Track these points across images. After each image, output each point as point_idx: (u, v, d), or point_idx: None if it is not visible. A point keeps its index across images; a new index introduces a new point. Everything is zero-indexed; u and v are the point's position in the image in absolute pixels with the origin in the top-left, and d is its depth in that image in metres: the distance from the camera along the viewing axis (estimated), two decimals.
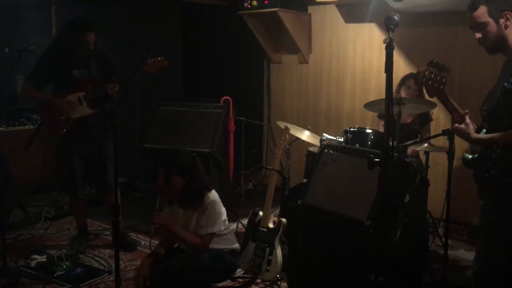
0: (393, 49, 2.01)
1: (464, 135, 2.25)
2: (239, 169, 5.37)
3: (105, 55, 3.95)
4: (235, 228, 4.30)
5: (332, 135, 3.75)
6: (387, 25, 2.07)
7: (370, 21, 4.98)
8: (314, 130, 4.25)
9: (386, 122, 2.18)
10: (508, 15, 2.22)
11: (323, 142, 3.46)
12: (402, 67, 4.73)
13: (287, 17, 5.22)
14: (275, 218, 3.47)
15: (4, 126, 5.23)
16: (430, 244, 3.72)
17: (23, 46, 3.55)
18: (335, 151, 3.23)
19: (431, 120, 4.17)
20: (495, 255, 2.33)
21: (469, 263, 3.54)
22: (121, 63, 4.05)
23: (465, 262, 3.75)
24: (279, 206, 4.27)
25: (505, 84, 2.21)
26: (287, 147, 4.15)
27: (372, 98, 4.54)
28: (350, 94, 5.29)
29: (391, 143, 2.10)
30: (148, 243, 3.29)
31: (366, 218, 2.77)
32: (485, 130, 2.31)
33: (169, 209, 3.12)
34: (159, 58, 3.67)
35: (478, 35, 2.28)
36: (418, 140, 4.00)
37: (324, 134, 3.70)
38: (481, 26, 2.25)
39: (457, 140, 2.63)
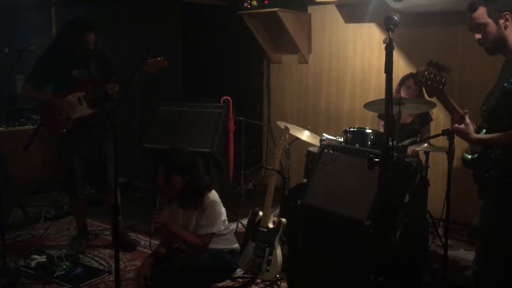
0: (393, 49, 2.01)
1: (464, 135, 2.26)
2: (239, 169, 5.37)
3: (105, 55, 3.95)
4: (235, 228, 4.30)
5: (332, 135, 3.75)
6: (387, 25, 2.07)
7: (370, 21, 4.98)
8: (314, 130, 4.25)
9: (386, 122, 2.18)
10: (507, 16, 2.22)
11: (323, 142, 3.46)
12: (402, 67, 4.74)
13: (287, 17, 5.22)
14: (275, 218, 3.47)
15: (4, 126, 5.23)
16: (430, 244, 3.72)
17: (23, 46, 3.55)
18: (335, 151, 3.23)
19: (431, 120, 4.17)
20: (494, 255, 2.33)
21: (469, 263, 3.55)
22: (121, 63, 4.05)
23: (465, 262, 3.75)
24: (279, 206, 4.27)
25: (505, 84, 2.22)
26: (287, 147, 4.15)
27: (372, 98, 4.55)
28: (350, 94, 5.29)
29: (391, 143, 2.10)
30: (148, 243, 3.30)
31: (366, 218, 2.77)
32: (484, 130, 2.31)
33: (169, 209, 3.12)
34: (159, 58, 3.67)
35: (478, 36, 2.28)
36: (416, 138, 4.00)
37: (324, 134, 3.70)
38: (481, 27, 2.25)
39: (457, 140, 2.63)
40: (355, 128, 3.60)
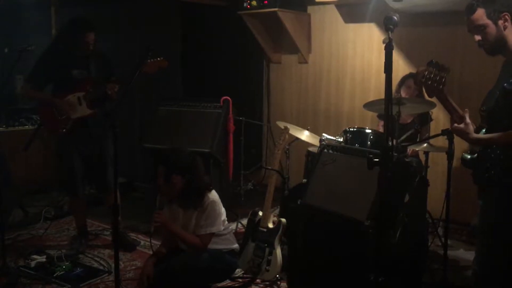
0: (393, 49, 2.01)
1: (464, 135, 2.25)
2: (238, 169, 5.37)
3: (105, 55, 3.95)
4: (234, 228, 4.30)
5: (331, 135, 3.75)
6: (386, 25, 2.07)
7: (370, 21, 4.98)
8: (314, 130, 4.25)
9: (386, 122, 2.18)
10: (506, 16, 2.22)
11: (323, 142, 3.46)
12: (401, 67, 4.74)
13: (287, 17, 5.22)
14: (275, 218, 3.47)
15: (4, 126, 5.23)
16: (429, 244, 3.72)
17: (23, 46, 3.55)
18: (335, 151, 3.23)
19: (431, 120, 4.17)
20: (494, 255, 2.33)
21: (469, 263, 3.55)
22: (121, 63, 4.06)
23: (465, 262, 3.75)
24: (278, 206, 4.27)
25: (505, 84, 2.22)
26: (287, 147, 4.15)
27: (371, 98, 4.55)
28: (349, 94, 5.30)
29: (390, 143, 2.11)
30: (148, 243, 3.30)
31: (366, 218, 2.78)
32: (484, 130, 2.31)
33: (169, 209, 3.12)
34: (159, 59, 3.67)
35: (478, 37, 2.28)
36: (412, 131, 4.00)
37: (323, 134, 3.70)
38: (480, 29, 2.25)
39: (457, 140, 2.63)
40: (355, 128, 3.60)
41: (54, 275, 3.42)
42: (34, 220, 4.56)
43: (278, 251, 3.34)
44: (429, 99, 2.63)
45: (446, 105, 2.34)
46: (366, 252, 2.71)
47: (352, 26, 5.21)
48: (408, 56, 4.79)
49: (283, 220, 3.41)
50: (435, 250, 3.89)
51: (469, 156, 2.40)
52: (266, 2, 5.11)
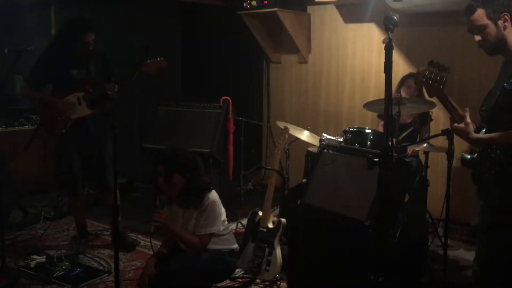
0: (392, 49, 2.01)
1: (464, 134, 2.25)
2: (238, 169, 5.37)
3: (105, 55, 3.94)
4: (234, 228, 4.30)
5: (331, 135, 3.75)
6: (386, 25, 2.07)
7: (370, 21, 4.98)
8: (314, 130, 4.25)
9: (386, 122, 2.18)
10: (506, 16, 2.22)
11: (323, 142, 3.46)
12: (401, 67, 4.74)
13: (287, 17, 5.22)
14: (275, 218, 3.47)
15: (4, 126, 5.23)
16: (429, 244, 3.72)
17: (23, 46, 3.54)
18: (335, 151, 3.23)
19: (431, 120, 4.17)
20: (494, 255, 2.33)
21: (469, 263, 3.55)
22: (121, 63, 4.05)
23: (465, 262, 3.75)
24: (278, 206, 4.27)
25: (505, 84, 2.22)
26: (287, 147, 4.15)
27: (371, 98, 4.55)
28: (349, 94, 5.30)
29: (390, 143, 2.10)
30: (147, 243, 3.30)
31: (366, 218, 2.78)
32: (484, 130, 2.31)
33: (169, 208, 3.12)
34: (158, 59, 3.68)
35: (478, 37, 2.28)
36: (411, 129, 4.00)
37: (323, 134, 3.70)
38: (480, 29, 2.25)
39: (457, 140, 2.63)
40: (355, 128, 3.61)
41: (54, 275, 3.41)
42: (33, 220, 4.56)
43: (278, 251, 3.33)
44: (429, 99, 2.64)
45: (446, 104, 2.34)
46: (366, 252, 2.71)
47: (352, 26, 5.21)
48: (408, 56, 4.79)
49: (283, 220, 3.41)
50: (435, 250, 3.89)
51: (469, 156, 2.40)
52: (266, 2, 5.11)
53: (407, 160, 3.63)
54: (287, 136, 3.74)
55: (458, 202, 3.89)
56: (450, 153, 2.91)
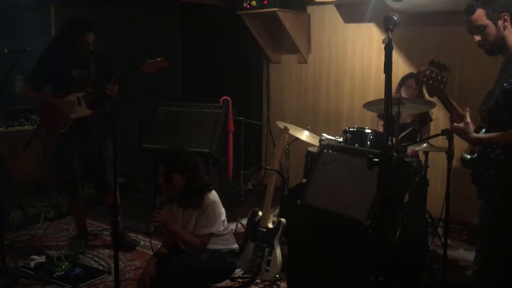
0: (392, 49, 2.01)
1: (464, 134, 2.25)
2: (238, 169, 5.37)
3: (105, 56, 3.94)
4: (234, 228, 4.30)
5: (331, 135, 3.75)
6: (386, 25, 2.07)
7: (369, 21, 4.98)
8: (313, 130, 4.25)
9: (385, 122, 2.17)
10: (505, 16, 2.22)
11: (322, 142, 3.46)
12: (401, 67, 4.74)
13: (286, 17, 5.22)
14: (275, 218, 3.47)
15: (3, 126, 5.23)
16: (429, 244, 3.72)
17: (22, 46, 3.55)
18: (334, 151, 3.23)
19: (431, 120, 4.17)
20: (494, 255, 2.33)
21: (469, 262, 3.55)
22: (121, 63, 4.05)
23: (465, 262, 3.75)
24: (278, 206, 4.27)
25: (505, 84, 2.22)
26: (287, 147, 4.15)
27: (371, 98, 4.55)
28: (349, 94, 5.30)
29: (390, 143, 2.10)
30: (147, 243, 3.29)
31: (366, 218, 2.77)
32: (484, 130, 2.30)
33: (169, 208, 3.12)
34: (158, 59, 3.68)
35: (478, 37, 2.28)
36: (409, 130, 4.00)
37: (323, 134, 3.71)
38: (480, 29, 2.25)
39: (456, 140, 2.63)
40: (355, 128, 3.61)
41: (54, 276, 3.41)
42: (33, 221, 4.56)
43: (278, 251, 3.33)
44: (430, 99, 2.63)
45: (447, 104, 2.34)
46: (366, 252, 2.71)
47: (351, 26, 5.21)
48: (408, 56, 4.79)
49: (283, 220, 3.41)
50: (435, 250, 3.89)
51: (469, 156, 2.40)
52: (265, 2, 5.11)
53: (407, 160, 3.63)
54: (287, 136, 3.74)
55: (458, 202, 3.89)
56: (450, 153, 2.91)
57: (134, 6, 5.47)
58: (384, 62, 1.99)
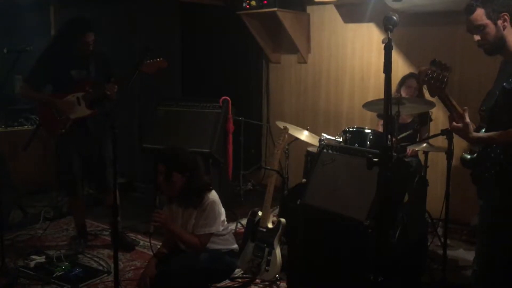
0: (392, 49, 2.01)
1: (464, 134, 2.25)
2: (238, 169, 5.37)
3: (105, 56, 3.94)
4: (234, 228, 4.30)
5: (331, 135, 3.75)
6: (385, 25, 2.07)
7: (369, 21, 4.98)
8: (313, 130, 4.25)
9: (385, 122, 2.17)
10: (505, 16, 2.22)
11: (322, 142, 3.46)
12: (401, 67, 4.74)
13: (286, 17, 5.22)
14: (274, 218, 3.47)
15: (3, 126, 5.23)
16: (429, 244, 3.72)
17: (22, 46, 3.54)
18: (334, 151, 3.23)
19: (431, 120, 4.18)
20: (494, 255, 2.33)
21: (468, 262, 3.56)
22: (120, 63, 4.05)
23: (464, 262, 3.75)
24: (278, 206, 4.27)
25: (504, 84, 2.22)
26: (286, 147, 4.15)
27: (371, 98, 4.54)
28: (349, 94, 5.30)
29: (390, 143, 2.10)
30: (147, 243, 3.29)
31: (365, 218, 2.77)
32: (484, 130, 2.30)
33: (168, 208, 3.12)
34: (158, 59, 3.67)
35: (477, 37, 2.28)
36: (409, 133, 4.00)
37: (323, 134, 3.71)
38: (480, 29, 2.25)
39: (456, 139, 2.63)
40: (354, 128, 3.60)
41: (54, 276, 3.41)
42: (33, 221, 4.56)
43: (278, 251, 3.33)
44: (430, 98, 2.63)
45: (447, 104, 2.34)
46: (365, 252, 2.71)
47: (351, 26, 5.21)
48: (408, 56, 4.79)
49: (283, 220, 3.41)
50: (435, 250, 3.89)
51: (469, 156, 2.40)
52: (265, 2, 5.11)
53: (406, 160, 3.64)
54: (286, 136, 3.74)
55: (457, 202, 3.89)
56: (449, 153, 2.91)
57: (134, 6, 5.47)
58: (384, 62, 1.99)
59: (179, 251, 3.10)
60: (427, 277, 3.36)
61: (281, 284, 3.35)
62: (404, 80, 4.17)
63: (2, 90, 3.68)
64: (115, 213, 2.82)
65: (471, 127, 2.24)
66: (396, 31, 2.10)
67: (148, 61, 3.63)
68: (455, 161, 2.94)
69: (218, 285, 3.31)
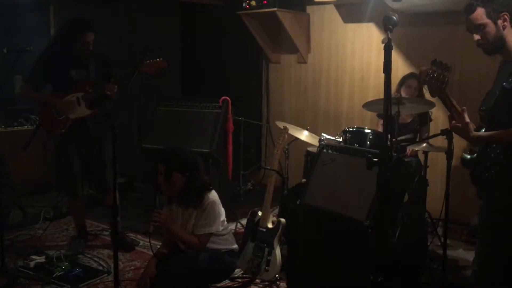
0: (392, 49, 2.01)
1: (464, 133, 2.25)
2: (238, 169, 5.37)
3: (105, 56, 3.94)
4: (234, 228, 4.30)
5: (331, 135, 3.76)
6: (385, 25, 2.07)
7: (369, 21, 4.98)
8: (313, 130, 4.25)
9: (385, 122, 2.17)
10: (505, 16, 2.22)
11: (322, 142, 3.46)
12: (400, 67, 4.74)
13: (286, 17, 5.22)
14: (274, 218, 3.47)
15: (3, 126, 5.23)
16: (429, 244, 3.72)
17: (22, 46, 3.54)
18: (334, 151, 3.23)
19: (431, 120, 4.18)
20: (494, 255, 2.33)
21: (468, 262, 3.55)
22: (120, 63, 4.05)
23: (464, 262, 3.75)
24: (278, 206, 4.27)
25: (504, 84, 2.22)
26: (286, 147, 4.15)
27: (370, 98, 4.54)
28: (348, 94, 5.30)
29: (389, 143, 2.10)
30: (147, 243, 3.29)
31: (365, 218, 2.77)
32: (484, 130, 2.30)
33: (168, 208, 3.12)
34: (158, 59, 3.67)
35: (477, 37, 2.28)
36: (411, 136, 4.00)
37: (323, 134, 3.71)
38: (480, 28, 2.25)
39: (456, 139, 2.63)
40: (354, 128, 3.61)
41: (53, 276, 3.41)
42: (33, 221, 4.55)
43: (278, 251, 3.33)
44: (430, 98, 2.63)
45: (447, 103, 2.34)
46: (365, 252, 2.71)
47: (351, 26, 5.21)
48: (407, 56, 4.79)
49: (283, 220, 3.41)
50: (435, 250, 3.89)
51: (468, 156, 2.40)
52: (265, 2, 5.11)
53: (406, 160, 3.64)
54: (286, 136, 3.74)
55: (457, 202, 3.89)
56: (449, 153, 2.91)
57: (134, 6, 5.47)
58: (384, 62, 1.99)
59: (179, 251, 3.10)
60: (427, 277, 3.36)
61: (281, 284, 3.35)
62: (404, 80, 4.17)
63: (2, 90, 3.68)
64: (115, 213, 2.82)
65: (471, 126, 2.24)
66: (396, 31, 2.10)
67: (148, 61, 3.63)
68: (455, 161, 2.94)
69: (218, 285, 3.31)
